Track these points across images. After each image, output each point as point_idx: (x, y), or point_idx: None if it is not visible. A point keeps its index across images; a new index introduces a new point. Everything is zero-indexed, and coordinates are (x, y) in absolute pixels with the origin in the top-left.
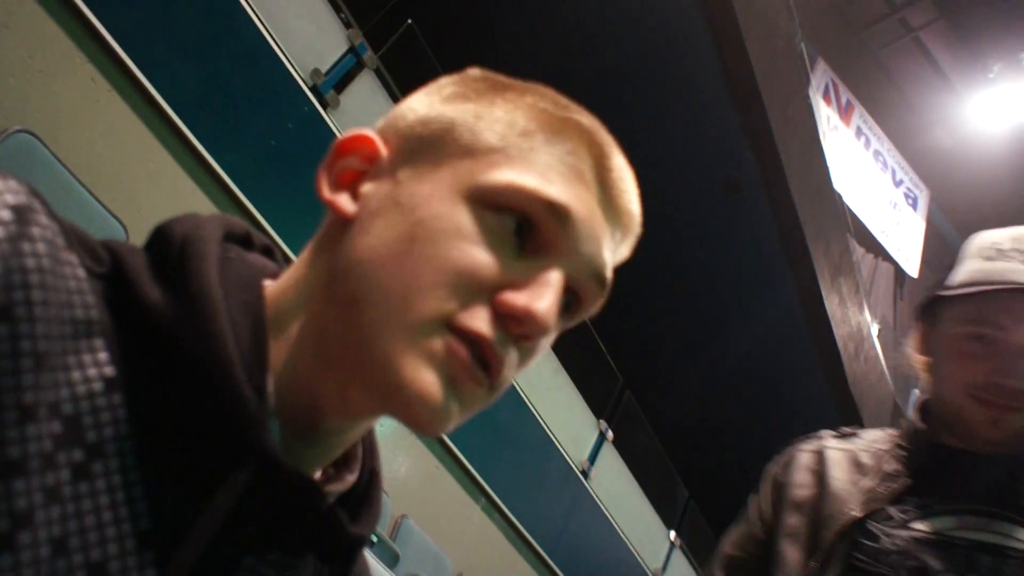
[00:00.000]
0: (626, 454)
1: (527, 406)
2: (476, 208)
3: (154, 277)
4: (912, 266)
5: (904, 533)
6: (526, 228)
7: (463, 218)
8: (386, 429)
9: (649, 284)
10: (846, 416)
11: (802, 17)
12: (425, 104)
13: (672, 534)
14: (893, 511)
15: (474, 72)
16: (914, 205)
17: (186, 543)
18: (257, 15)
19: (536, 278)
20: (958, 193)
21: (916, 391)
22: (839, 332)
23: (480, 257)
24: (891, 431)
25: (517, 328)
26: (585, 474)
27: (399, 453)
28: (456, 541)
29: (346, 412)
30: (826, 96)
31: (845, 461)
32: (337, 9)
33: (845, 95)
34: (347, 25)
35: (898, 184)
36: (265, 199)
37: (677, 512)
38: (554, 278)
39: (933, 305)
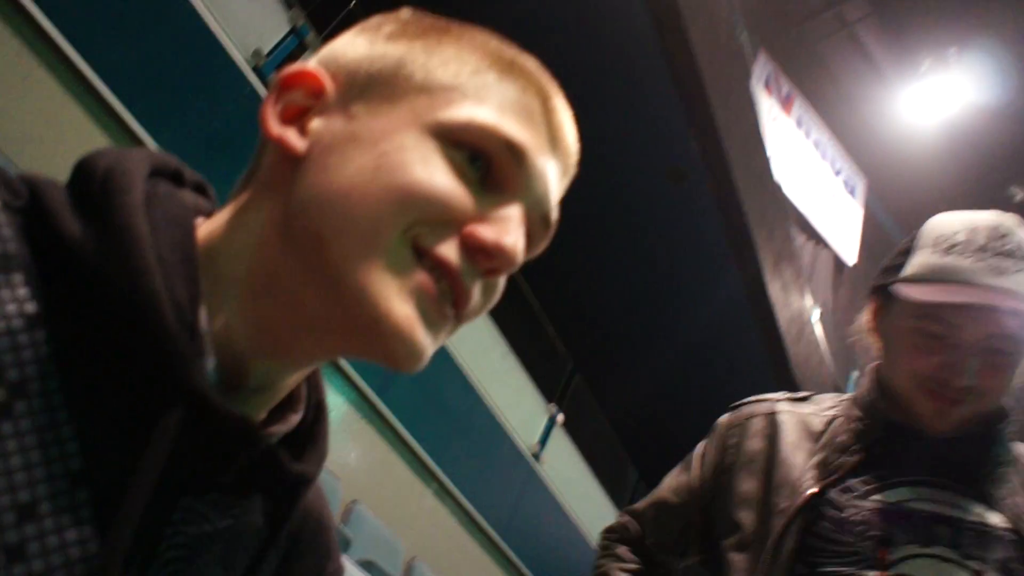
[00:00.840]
0: (577, 437)
1: (477, 391)
2: (439, 142)
3: (75, 211)
4: (851, 253)
5: (867, 504)
6: (485, 165)
7: (429, 150)
8: (336, 414)
9: (598, 269)
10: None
11: (743, 9)
12: (366, 42)
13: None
14: (853, 483)
15: (407, 12)
16: (852, 193)
17: (129, 493)
18: None
19: (500, 213)
20: (894, 182)
21: (855, 373)
22: (782, 316)
23: (450, 186)
24: (842, 397)
25: (486, 262)
26: (536, 457)
27: (350, 439)
28: (408, 525)
29: (298, 356)
30: (768, 87)
31: (797, 426)
32: None
33: (786, 86)
34: (289, 6)
35: (837, 173)
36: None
37: (627, 493)
38: (516, 213)
39: (886, 287)
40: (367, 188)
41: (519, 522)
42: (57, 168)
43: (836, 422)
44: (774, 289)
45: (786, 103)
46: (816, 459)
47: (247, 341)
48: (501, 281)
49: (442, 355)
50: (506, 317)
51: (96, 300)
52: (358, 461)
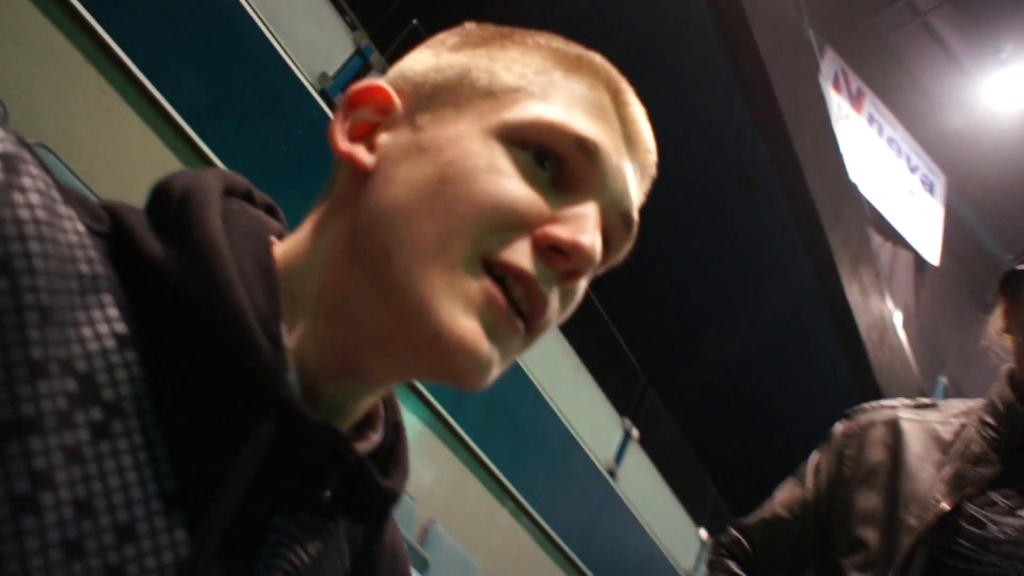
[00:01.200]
0: (652, 452)
1: (551, 407)
2: (505, 145)
3: (155, 233)
4: (932, 253)
5: (1012, 520)
6: (556, 164)
7: (496, 154)
8: (410, 434)
9: (668, 280)
10: None
11: (808, 5)
12: (431, 55)
13: (702, 532)
14: (996, 496)
15: (470, 25)
16: (931, 191)
17: (216, 503)
18: (262, 20)
19: (574, 212)
20: (975, 177)
21: (943, 379)
22: (861, 321)
23: (519, 191)
24: (971, 403)
25: (562, 263)
26: (612, 473)
27: (424, 459)
28: (484, 545)
29: (370, 377)
30: (836, 84)
31: (923, 436)
32: (342, 12)
33: (855, 83)
34: (352, 28)
35: (914, 170)
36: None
37: (706, 509)
38: (592, 211)
39: (1015, 279)
40: (433, 200)
41: (597, 540)
42: (136, 197)
43: (967, 431)
44: (853, 293)
45: (856, 100)
46: (947, 471)
47: (319, 360)
48: (580, 286)
49: (514, 371)
50: (577, 331)
51: (182, 317)
52: (433, 481)
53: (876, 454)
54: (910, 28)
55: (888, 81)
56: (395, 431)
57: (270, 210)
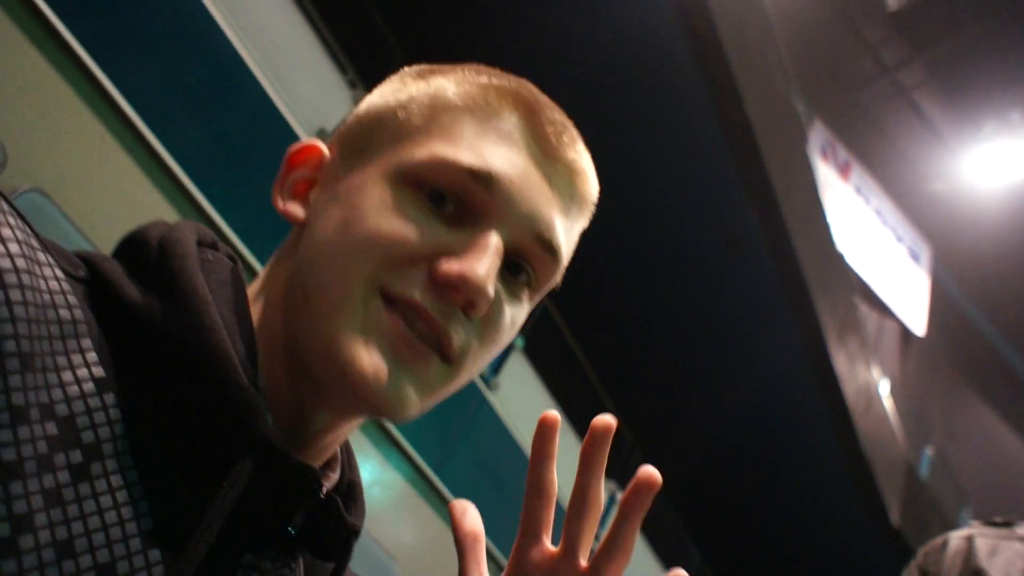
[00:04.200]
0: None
1: None
2: (401, 187)
3: (133, 279)
4: (918, 324)
5: None
6: (455, 200)
7: (388, 195)
8: (392, 491)
9: (655, 343)
10: (859, 476)
11: (797, 79)
12: (363, 105)
13: None
14: None
15: (406, 69)
16: (917, 261)
17: (194, 538)
18: (263, 74)
19: (469, 245)
20: (960, 249)
21: (928, 450)
22: (847, 389)
23: (405, 227)
24: None
25: (456, 295)
26: (597, 537)
27: (406, 517)
28: None
29: (323, 414)
30: (824, 155)
31: (1005, 548)
32: (343, 69)
33: (843, 154)
34: (352, 86)
35: (900, 240)
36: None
37: None
38: (488, 241)
39: None
40: (337, 244)
41: None
42: None
43: None
44: (839, 361)
45: (844, 170)
46: None
47: (281, 401)
48: (500, 315)
49: (498, 429)
50: (564, 390)
51: (163, 360)
52: (415, 539)
53: (955, 562)
54: (895, 103)
55: (875, 153)
56: (350, 469)
57: (231, 260)
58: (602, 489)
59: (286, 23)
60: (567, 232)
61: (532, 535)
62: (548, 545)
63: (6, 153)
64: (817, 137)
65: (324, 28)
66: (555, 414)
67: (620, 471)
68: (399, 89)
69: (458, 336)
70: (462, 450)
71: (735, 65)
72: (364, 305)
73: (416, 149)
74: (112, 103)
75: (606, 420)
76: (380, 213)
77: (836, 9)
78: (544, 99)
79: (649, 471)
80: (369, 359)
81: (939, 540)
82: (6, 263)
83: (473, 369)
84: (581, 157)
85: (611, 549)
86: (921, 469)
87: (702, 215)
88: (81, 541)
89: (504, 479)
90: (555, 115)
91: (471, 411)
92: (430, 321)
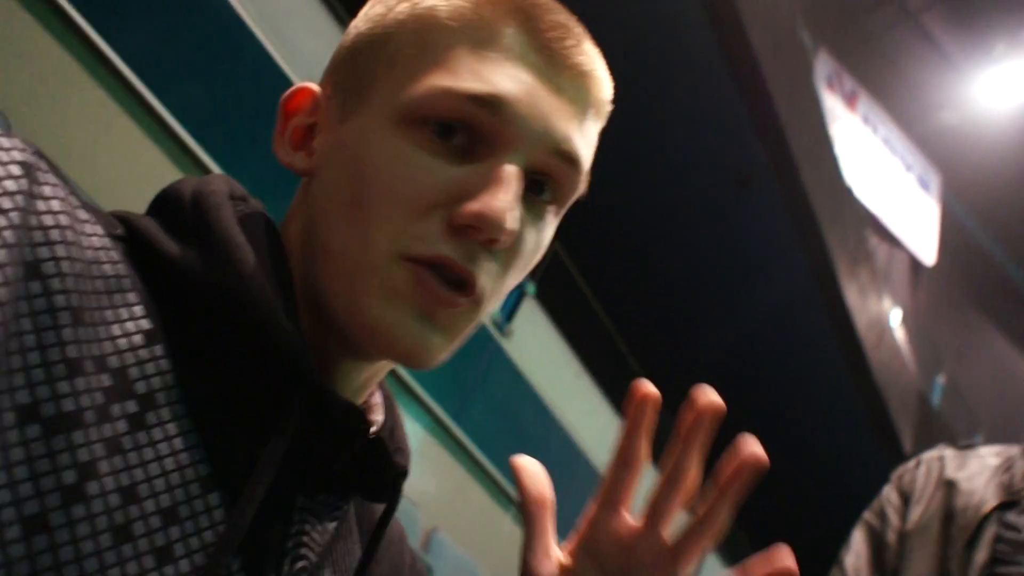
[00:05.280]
0: (654, 454)
1: (551, 412)
2: (406, 129)
3: (170, 234)
4: (929, 253)
5: None
6: (464, 130)
7: (396, 143)
8: (412, 442)
9: (668, 283)
10: (872, 407)
11: (801, 7)
12: (352, 32)
13: None
14: None
15: None
16: (927, 190)
17: (251, 481)
18: (263, 32)
19: (484, 180)
20: (971, 176)
21: (940, 379)
22: (859, 321)
23: (418, 178)
24: (1009, 446)
25: (478, 235)
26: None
27: (427, 466)
28: (488, 551)
29: (354, 356)
30: (830, 85)
31: (973, 462)
32: (342, 22)
33: (849, 83)
34: None
35: (909, 169)
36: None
37: None
38: (505, 173)
39: None
40: (352, 203)
41: None
42: (137, 206)
43: (1015, 455)
44: (850, 293)
45: (850, 100)
46: (997, 482)
47: (317, 343)
48: (524, 240)
49: (514, 377)
50: (577, 335)
51: (207, 310)
52: (436, 488)
53: (929, 478)
54: (902, 28)
55: (882, 81)
56: (393, 416)
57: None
58: (699, 469)
59: None
60: (584, 138)
61: (612, 506)
62: (627, 517)
63: (9, 123)
64: (823, 67)
65: None
66: (654, 390)
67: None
68: (383, 15)
69: (485, 275)
70: (479, 398)
71: None
72: (387, 270)
73: (413, 83)
74: (112, 68)
75: (714, 401)
76: (390, 166)
77: None
78: (542, 1)
79: (755, 450)
80: (394, 322)
81: (912, 462)
82: (49, 220)
83: (500, 297)
84: (589, 58)
85: (703, 527)
86: (933, 397)
87: (709, 151)
88: (143, 487)
89: (522, 425)
90: (556, 17)
91: (486, 359)
92: (458, 269)
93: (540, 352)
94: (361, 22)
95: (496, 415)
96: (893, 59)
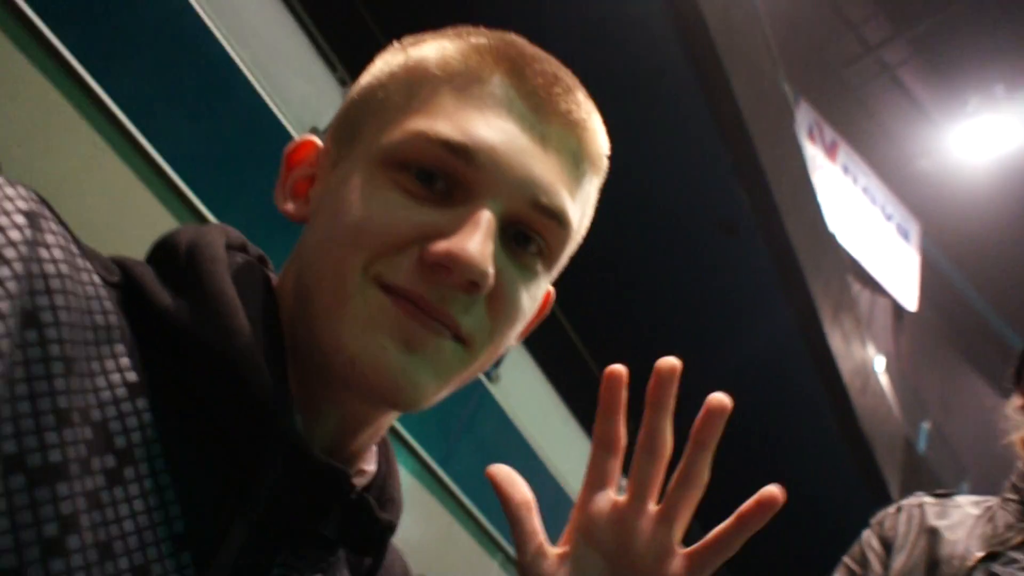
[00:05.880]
0: None
1: (539, 457)
2: (386, 171)
3: (163, 284)
4: (910, 300)
5: None
6: (444, 176)
7: (374, 184)
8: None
9: (653, 329)
10: (858, 454)
11: (782, 58)
12: (354, 88)
13: None
14: (1018, 555)
15: (394, 44)
16: (907, 238)
17: (225, 542)
18: (254, 75)
19: (459, 222)
20: (949, 225)
21: (926, 425)
22: (844, 368)
23: (391, 213)
24: (986, 496)
25: (449, 276)
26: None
27: (413, 511)
28: None
29: (341, 410)
30: (811, 135)
31: (954, 511)
32: (332, 67)
33: (830, 133)
34: (342, 82)
35: (889, 218)
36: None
37: None
38: (478, 217)
39: None
40: (328, 239)
41: None
42: (129, 250)
43: (994, 510)
44: (835, 340)
45: (831, 150)
46: (980, 534)
47: (304, 399)
48: (512, 290)
49: (503, 422)
50: (565, 381)
51: (192, 364)
52: (422, 534)
53: (911, 526)
54: (880, 81)
55: (861, 132)
56: (387, 465)
57: (262, 261)
58: (670, 432)
59: (274, 22)
60: (572, 193)
61: (598, 487)
62: (614, 495)
63: (0, 165)
64: (804, 117)
65: (312, 26)
66: (620, 367)
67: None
68: (381, 68)
69: (465, 318)
70: (466, 443)
71: (722, 48)
72: (363, 297)
73: (394, 128)
74: (104, 108)
75: (670, 361)
76: (365, 201)
77: None
78: (532, 51)
79: (718, 397)
80: (376, 348)
81: (892, 508)
82: (51, 268)
83: (491, 349)
84: (579, 107)
85: (686, 480)
86: (919, 444)
87: (694, 199)
88: (119, 543)
89: None
90: (545, 66)
91: (473, 404)
92: (428, 308)
93: (528, 397)
94: (363, 78)
95: (483, 460)
96: (872, 111)
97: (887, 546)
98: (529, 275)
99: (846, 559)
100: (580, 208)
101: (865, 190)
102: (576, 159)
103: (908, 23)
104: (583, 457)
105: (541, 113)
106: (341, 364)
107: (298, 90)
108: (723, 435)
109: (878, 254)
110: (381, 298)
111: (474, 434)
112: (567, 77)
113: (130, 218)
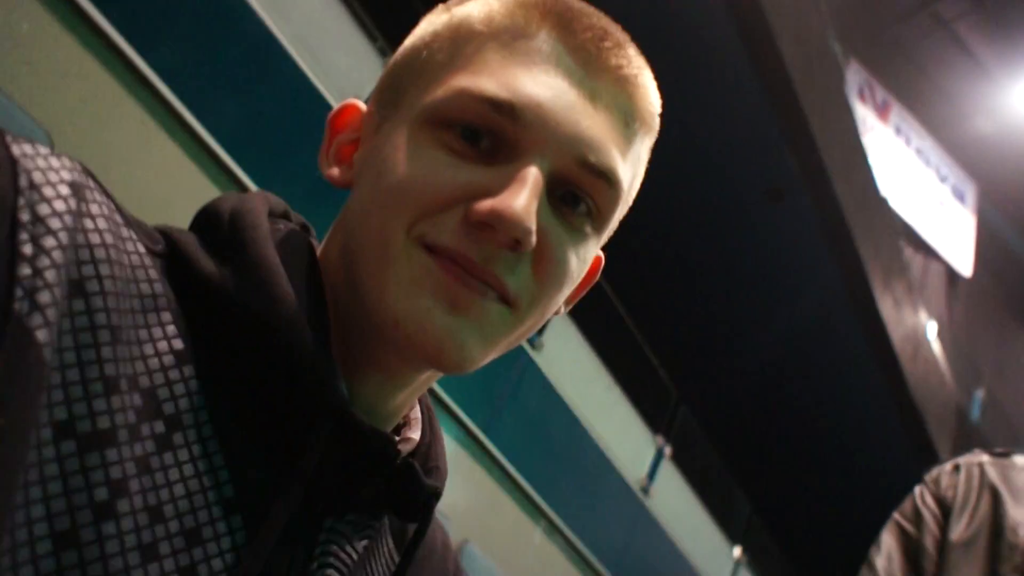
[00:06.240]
0: (685, 469)
1: (583, 425)
2: (430, 130)
3: (207, 252)
4: (965, 264)
5: None
6: (489, 134)
7: (419, 141)
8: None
9: (699, 297)
10: (909, 422)
11: (832, 18)
12: (397, 53)
13: (736, 549)
14: None
15: (442, 3)
16: (962, 200)
17: (275, 506)
18: (295, 50)
19: (503, 181)
20: (1007, 185)
21: (979, 393)
22: (895, 335)
23: (435, 172)
24: None
25: (493, 235)
26: (645, 491)
27: (458, 478)
28: (518, 564)
29: (387, 373)
30: (862, 96)
31: (1015, 475)
32: (372, 38)
33: (881, 94)
34: (382, 53)
35: (944, 180)
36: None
37: (740, 527)
38: (525, 174)
39: None
40: (371, 201)
41: (629, 558)
42: (175, 224)
43: None
44: (885, 307)
45: (882, 111)
46: None
47: (349, 363)
48: (560, 250)
49: (546, 389)
50: (608, 348)
51: (237, 331)
52: (467, 500)
53: (970, 487)
54: (935, 38)
55: (914, 91)
56: (431, 432)
57: (304, 229)
58: None
59: None
60: (623, 152)
61: None
62: None
63: (52, 141)
64: (854, 77)
65: None
66: None
67: (667, 426)
68: (425, 28)
69: (511, 278)
70: (510, 411)
71: (767, 6)
72: (407, 258)
73: (437, 86)
74: (150, 87)
75: None
76: (408, 161)
77: None
78: (580, 5)
79: None
80: (421, 309)
81: (948, 465)
82: (96, 238)
83: (538, 312)
84: (629, 63)
85: None
86: (972, 412)
87: (741, 165)
88: (168, 507)
89: (553, 438)
90: (594, 20)
91: (517, 372)
92: (473, 268)
93: (571, 365)
94: (407, 40)
95: (527, 428)
96: (925, 69)
97: (944, 507)
98: (578, 236)
99: (897, 516)
100: (631, 168)
101: (919, 151)
102: (627, 117)
103: None
104: (625, 424)
105: (590, 68)
106: (387, 327)
107: (339, 62)
108: (773, 405)
109: (932, 217)
110: (425, 259)
111: (518, 402)
112: (617, 32)
113: (176, 191)
